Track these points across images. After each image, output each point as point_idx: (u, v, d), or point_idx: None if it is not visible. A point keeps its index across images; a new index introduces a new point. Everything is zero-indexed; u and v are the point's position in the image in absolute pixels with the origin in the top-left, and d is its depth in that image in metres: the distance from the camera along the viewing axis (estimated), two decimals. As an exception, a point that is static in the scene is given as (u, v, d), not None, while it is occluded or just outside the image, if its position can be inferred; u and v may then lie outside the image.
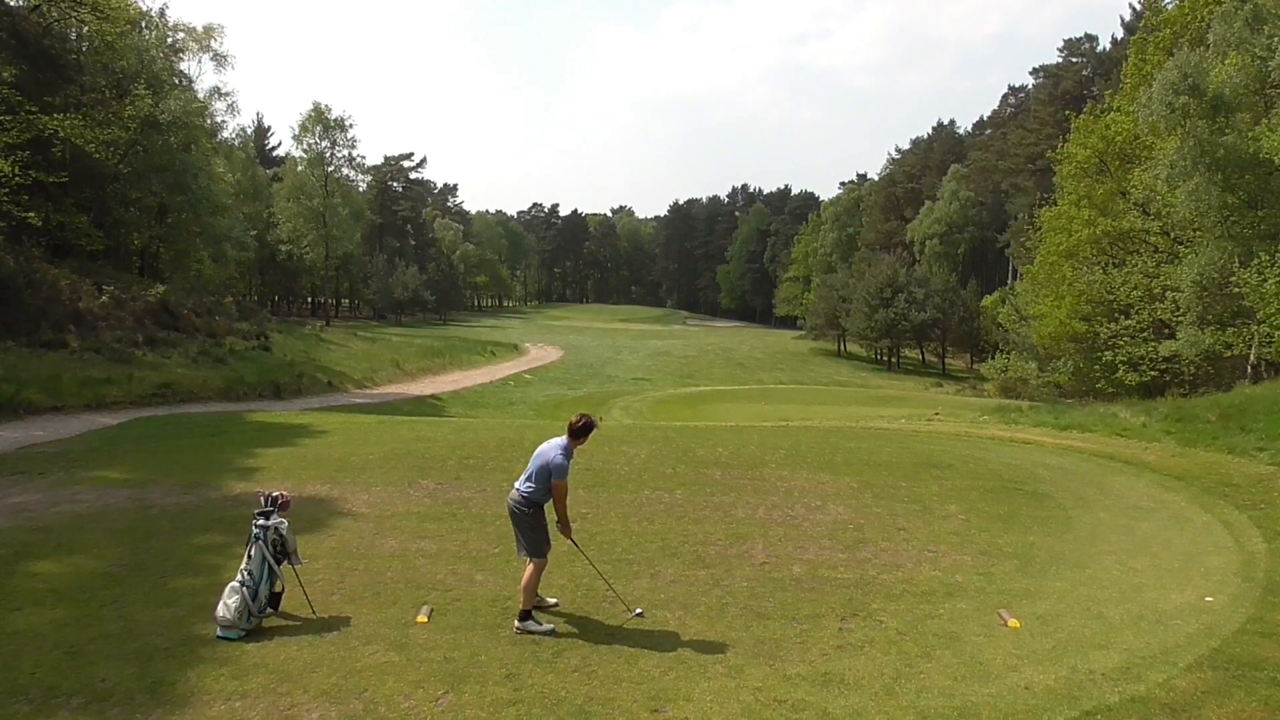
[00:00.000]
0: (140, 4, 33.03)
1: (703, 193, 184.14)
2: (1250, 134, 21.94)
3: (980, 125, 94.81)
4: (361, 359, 39.92)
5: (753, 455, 12.82)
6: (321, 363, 35.07)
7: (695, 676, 5.50)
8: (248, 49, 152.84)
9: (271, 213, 64.16)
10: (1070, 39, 77.30)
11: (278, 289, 76.05)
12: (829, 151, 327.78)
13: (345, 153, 66.91)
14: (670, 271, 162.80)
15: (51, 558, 7.73)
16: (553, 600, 6.72)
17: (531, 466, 6.35)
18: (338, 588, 7.03)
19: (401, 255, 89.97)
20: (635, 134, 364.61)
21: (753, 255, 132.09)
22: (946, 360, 76.08)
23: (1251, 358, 23.58)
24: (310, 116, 64.39)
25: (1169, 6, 30.66)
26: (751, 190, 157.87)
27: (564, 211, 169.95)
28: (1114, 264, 29.25)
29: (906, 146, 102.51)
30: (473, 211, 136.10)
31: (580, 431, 6.33)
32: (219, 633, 5.99)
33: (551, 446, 6.31)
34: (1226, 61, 22.38)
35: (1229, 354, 24.11)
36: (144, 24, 33.74)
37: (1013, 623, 6.44)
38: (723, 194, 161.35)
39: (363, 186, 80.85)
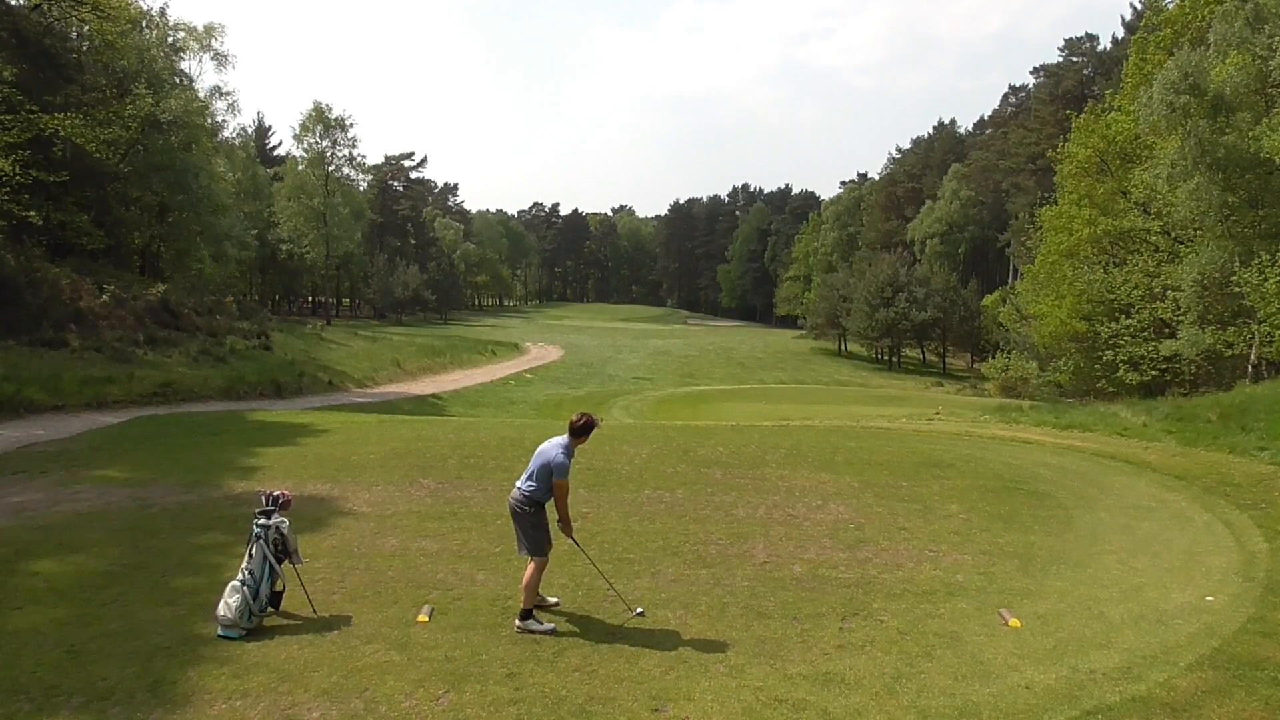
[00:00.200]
0: (141, 3, 33.00)
1: (703, 192, 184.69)
2: (1251, 133, 21.93)
3: (981, 125, 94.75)
4: (362, 358, 39.92)
5: (753, 455, 12.81)
6: (322, 362, 35.07)
7: (696, 676, 5.50)
8: (248, 48, 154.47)
9: (272, 212, 64.12)
10: (1071, 38, 77.29)
11: (278, 288, 76.06)
12: (830, 151, 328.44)
13: (346, 152, 66.83)
14: (671, 271, 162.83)
15: (52, 556, 7.74)
16: (554, 599, 6.72)
17: (533, 465, 6.35)
18: (338, 587, 7.04)
19: (402, 254, 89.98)
20: (636, 133, 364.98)
21: (753, 255, 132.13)
22: (947, 360, 76.11)
23: (1252, 357, 23.58)
24: (311, 116, 64.32)
25: (1169, 6, 30.61)
26: (752, 189, 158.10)
27: (565, 211, 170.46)
28: (1115, 263, 29.25)
29: (907, 146, 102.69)
30: (473, 211, 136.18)
31: (581, 430, 6.34)
32: (220, 632, 5.99)
33: (553, 445, 6.32)
34: (1227, 61, 22.36)
35: (1230, 353, 24.10)
36: (144, 23, 33.68)
37: (1013, 622, 6.44)
38: (723, 193, 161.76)
39: (363, 186, 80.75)
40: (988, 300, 63.24)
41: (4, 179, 22.57)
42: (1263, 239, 22.72)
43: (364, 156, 73.52)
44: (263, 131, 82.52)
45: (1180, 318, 24.97)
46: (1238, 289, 22.10)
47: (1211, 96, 22.41)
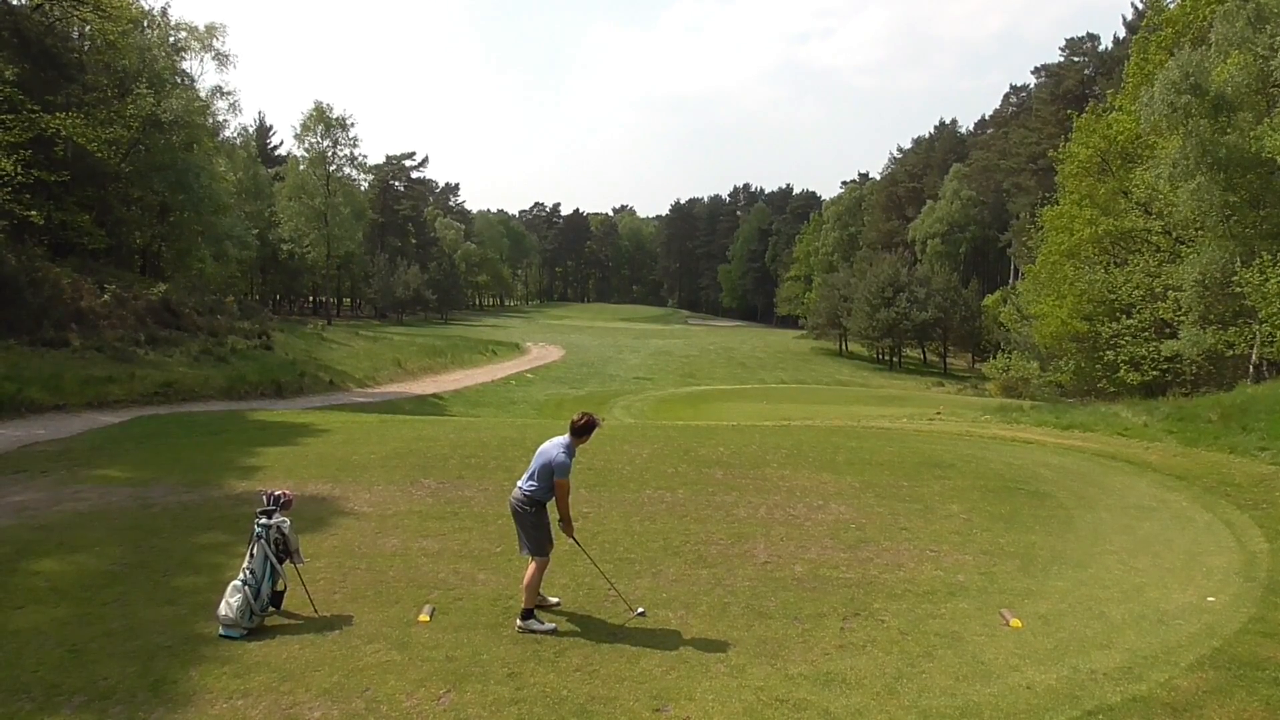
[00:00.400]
0: (142, 3, 33.04)
1: (704, 192, 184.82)
2: (1252, 133, 21.92)
3: (982, 124, 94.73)
4: (363, 358, 39.92)
5: (754, 454, 12.82)
6: (323, 362, 35.06)
7: (697, 675, 5.50)
8: (249, 48, 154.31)
9: (273, 212, 64.15)
10: (1072, 38, 77.10)
11: (279, 288, 76.09)
12: (830, 151, 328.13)
13: (347, 152, 66.85)
14: (672, 271, 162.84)
15: (54, 556, 7.74)
16: (554, 599, 6.72)
17: (534, 465, 6.35)
18: (339, 586, 7.04)
19: (403, 254, 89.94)
20: (636, 133, 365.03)
21: (754, 254, 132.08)
22: (948, 360, 76.06)
23: (1253, 357, 23.56)
24: (312, 115, 64.34)
25: (1171, 6, 30.58)
26: (753, 189, 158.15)
27: (565, 211, 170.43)
28: (1116, 263, 29.24)
29: (908, 146, 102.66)
30: (474, 211, 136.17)
31: (582, 430, 6.35)
32: (221, 631, 6.00)
33: (554, 445, 6.32)
34: (1228, 61, 22.35)
35: (1231, 353, 24.10)
36: (146, 23, 33.68)
37: (1014, 622, 6.44)
38: (724, 193, 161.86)
39: (364, 185, 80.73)
40: (989, 300, 63.29)
41: (5, 178, 22.60)
42: (1264, 239, 22.71)
43: (365, 156, 73.65)
44: (264, 131, 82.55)
45: (1181, 318, 24.96)
46: (1239, 289, 22.09)
47: (1213, 96, 22.40)
